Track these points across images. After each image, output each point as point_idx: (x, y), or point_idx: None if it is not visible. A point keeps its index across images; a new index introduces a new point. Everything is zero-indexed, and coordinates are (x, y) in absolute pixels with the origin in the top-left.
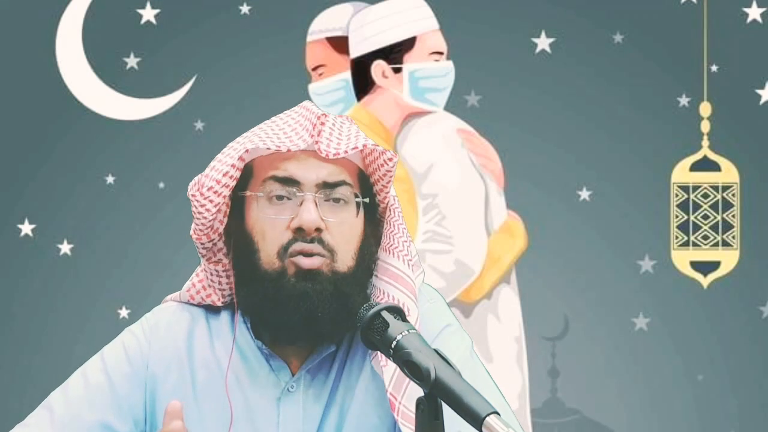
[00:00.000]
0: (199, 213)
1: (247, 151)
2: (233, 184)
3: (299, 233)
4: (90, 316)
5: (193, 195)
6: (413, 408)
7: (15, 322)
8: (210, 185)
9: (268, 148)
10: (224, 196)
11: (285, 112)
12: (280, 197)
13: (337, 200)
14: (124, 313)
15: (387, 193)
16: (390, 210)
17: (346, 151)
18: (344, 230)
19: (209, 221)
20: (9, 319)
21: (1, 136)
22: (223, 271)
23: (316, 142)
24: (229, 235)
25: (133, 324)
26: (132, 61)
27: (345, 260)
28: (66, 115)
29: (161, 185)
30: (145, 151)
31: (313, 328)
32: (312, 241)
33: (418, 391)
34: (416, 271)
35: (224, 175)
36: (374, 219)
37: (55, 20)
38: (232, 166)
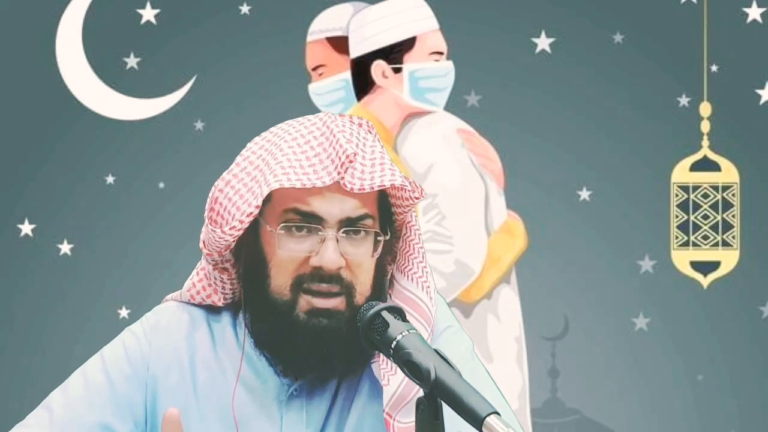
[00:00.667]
0: (217, 243)
1: (268, 185)
2: (249, 220)
3: (318, 271)
4: (90, 316)
5: (213, 231)
6: (406, 420)
7: (15, 322)
8: (233, 224)
9: (293, 186)
10: (242, 229)
11: (303, 123)
12: (299, 228)
13: (357, 232)
14: (124, 313)
15: (404, 215)
16: (406, 227)
17: (372, 187)
18: (363, 264)
19: (223, 248)
20: (9, 319)
21: (1, 136)
22: (228, 279)
23: (342, 179)
24: (239, 250)
25: (133, 324)
26: (132, 61)
27: (363, 291)
28: (66, 115)
29: (161, 185)
30: (145, 151)
31: (327, 367)
32: (330, 280)
33: (413, 409)
34: (433, 302)
35: (248, 215)
36: (391, 237)
37: (55, 20)
38: (257, 207)
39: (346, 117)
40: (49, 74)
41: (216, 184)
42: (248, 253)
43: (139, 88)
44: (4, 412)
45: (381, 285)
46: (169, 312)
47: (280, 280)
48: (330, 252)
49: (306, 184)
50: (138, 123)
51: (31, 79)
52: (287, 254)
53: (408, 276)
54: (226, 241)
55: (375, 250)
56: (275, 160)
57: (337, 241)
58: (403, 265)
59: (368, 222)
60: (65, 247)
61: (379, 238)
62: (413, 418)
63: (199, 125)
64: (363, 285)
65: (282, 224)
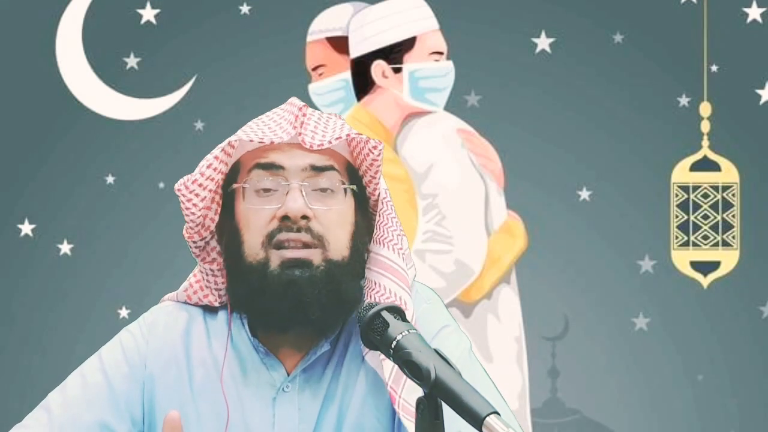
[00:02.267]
0: (187, 209)
1: (230, 144)
2: (218, 177)
3: (285, 222)
4: (90, 316)
5: (178, 190)
6: (413, 401)
7: (15, 322)
8: (194, 178)
9: (251, 141)
10: (210, 190)
11: (272, 109)
12: (266, 189)
13: (324, 189)
14: (124, 313)
15: (377, 184)
16: (382, 203)
17: (330, 141)
18: (333, 218)
19: (198, 217)
20: (9, 319)
21: (1, 136)
22: (219, 270)
23: (300, 134)
24: (221, 233)
25: (130, 323)
26: (132, 61)
27: (338, 249)
28: (66, 115)
29: (161, 185)
30: (145, 151)
31: (303, 315)
32: (299, 230)
33: (416, 388)
34: (409, 264)
35: (208, 167)
36: (366, 211)
37: (55, 20)
38: (216, 158)
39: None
40: (49, 74)
41: None
42: (225, 228)
43: (139, 88)
44: (4, 412)
45: (358, 249)
46: (166, 311)
47: (253, 241)
48: (293, 200)
49: (264, 139)
50: (138, 123)
51: (31, 79)
52: (254, 211)
53: (383, 244)
54: (192, 204)
55: (346, 201)
56: (241, 129)
57: (302, 193)
58: (380, 235)
59: (333, 175)
60: (65, 247)
61: (345, 186)
62: None
63: (199, 125)
64: (338, 241)
65: (247, 179)
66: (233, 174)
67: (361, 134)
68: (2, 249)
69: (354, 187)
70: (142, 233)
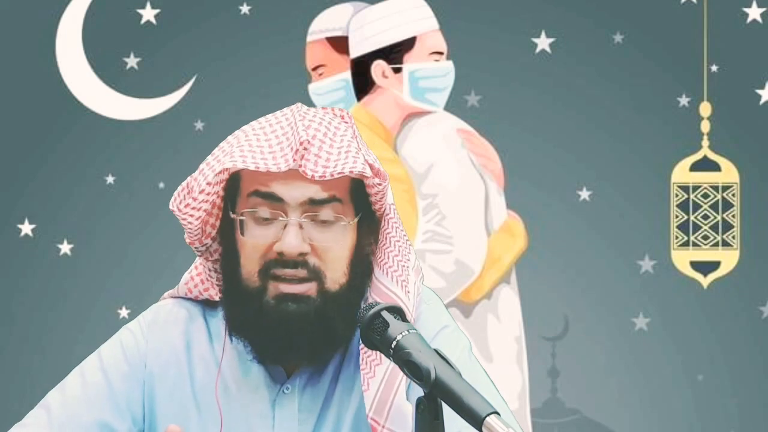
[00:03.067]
0: (184, 227)
1: (225, 170)
2: (213, 198)
3: (282, 257)
4: (90, 316)
5: (172, 210)
6: (397, 428)
7: (15, 322)
8: (187, 202)
9: (247, 169)
10: (205, 210)
11: (276, 114)
12: (266, 218)
13: (324, 221)
14: (124, 313)
15: (381, 206)
16: (385, 220)
17: (332, 174)
18: (332, 251)
19: (196, 228)
20: (9, 319)
21: (1, 136)
22: (221, 272)
23: (300, 166)
24: (221, 241)
25: (130, 322)
26: (132, 61)
27: (335, 278)
28: (66, 115)
29: (161, 185)
30: (145, 151)
31: (291, 350)
32: (296, 266)
33: (399, 413)
34: (405, 290)
35: (201, 192)
36: (373, 225)
37: (55, 20)
38: (208, 183)
39: (321, 108)
40: (49, 74)
41: None
42: (223, 243)
43: (139, 88)
44: (4, 412)
45: (359, 274)
46: (165, 309)
47: (250, 267)
48: (291, 237)
49: (260, 167)
50: (138, 123)
51: (31, 79)
52: (252, 241)
53: (384, 270)
54: (188, 222)
55: (347, 231)
56: (239, 144)
57: (301, 227)
58: (380, 258)
59: (334, 207)
60: (65, 247)
61: (343, 222)
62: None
63: (199, 125)
64: (335, 272)
65: (245, 210)
66: (232, 189)
67: (364, 170)
68: (2, 249)
69: (355, 219)
70: (142, 233)
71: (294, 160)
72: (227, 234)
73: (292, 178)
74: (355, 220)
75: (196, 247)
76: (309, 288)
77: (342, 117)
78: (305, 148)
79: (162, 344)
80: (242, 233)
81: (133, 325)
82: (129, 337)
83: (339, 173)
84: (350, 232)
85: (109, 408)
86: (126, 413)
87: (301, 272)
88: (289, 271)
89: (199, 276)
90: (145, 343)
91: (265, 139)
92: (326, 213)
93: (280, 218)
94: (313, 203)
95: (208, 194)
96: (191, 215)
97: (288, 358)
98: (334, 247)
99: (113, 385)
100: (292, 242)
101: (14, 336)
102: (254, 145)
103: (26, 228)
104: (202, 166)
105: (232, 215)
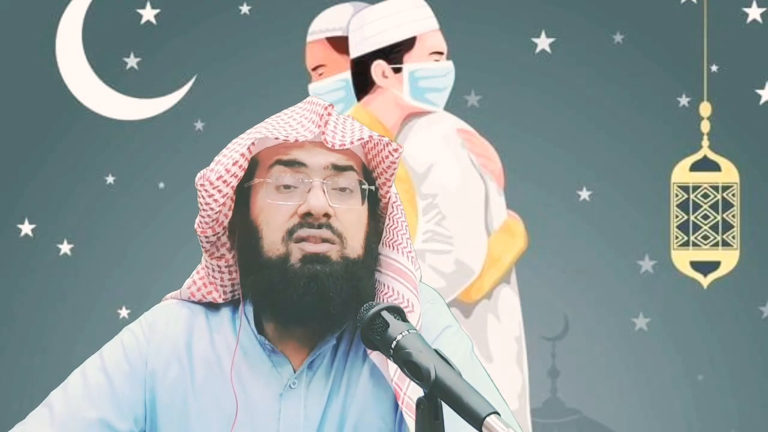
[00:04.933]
0: (207, 204)
1: (253, 143)
2: (242, 174)
3: (307, 219)
4: (90, 316)
5: (201, 185)
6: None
7: (15, 322)
8: (219, 174)
9: (276, 138)
10: (232, 187)
11: (291, 107)
12: (287, 186)
13: (343, 189)
14: (124, 313)
15: (389, 187)
16: (392, 206)
17: (352, 142)
18: (352, 218)
19: (215, 213)
20: (9, 319)
21: (1, 136)
22: (226, 266)
23: (323, 133)
24: (233, 230)
25: (132, 323)
26: (132, 61)
27: (354, 248)
28: (66, 115)
29: (161, 185)
30: (145, 151)
31: (325, 308)
32: (320, 227)
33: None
34: (416, 266)
35: (234, 164)
36: (376, 214)
37: (55, 20)
38: (242, 155)
39: None
40: (49, 74)
41: None
42: (241, 227)
43: (139, 88)
44: (4, 412)
45: (372, 248)
46: (167, 310)
47: (273, 237)
48: (316, 197)
49: (288, 137)
50: (138, 123)
51: (31, 79)
52: (275, 207)
53: (394, 247)
54: (213, 200)
55: (363, 203)
56: (263, 125)
57: (324, 191)
58: (390, 238)
59: (353, 175)
60: (65, 247)
61: (363, 186)
62: None
63: (199, 125)
64: (354, 239)
65: (268, 177)
66: (250, 170)
67: (383, 136)
68: (2, 249)
69: (372, 188)
70: (142, 233)
71: (318, 126)
72: (246, 217)
73: (314, 147)
74: (372, 187)
75: (206, 236)
76: (331, 249)
77: (348, 116)
78: (329, 113)
79: (163, 344)
80: (268, 197)
81: (134, 326)
82: (130, 337)
83: (359, 139)
84: (365, 207)
85: (112, 407)
86: (128, 413)
87: (326, 233)
88: (314, 231)
89: (201, 280)
90: (146, 343)
91: (285, 121)
92: (345, 180)
93: (305, 180)
94: (335, 168)
95: (240, 167)
96: (220, 191)
97: (318, 318)
98: (353, 215)
99: (115, 384)
100: (318, 201)
101: (14, 336)
102: (276, 125)
103: (26, 228)
104: (227, 148)
105: (256, 181)
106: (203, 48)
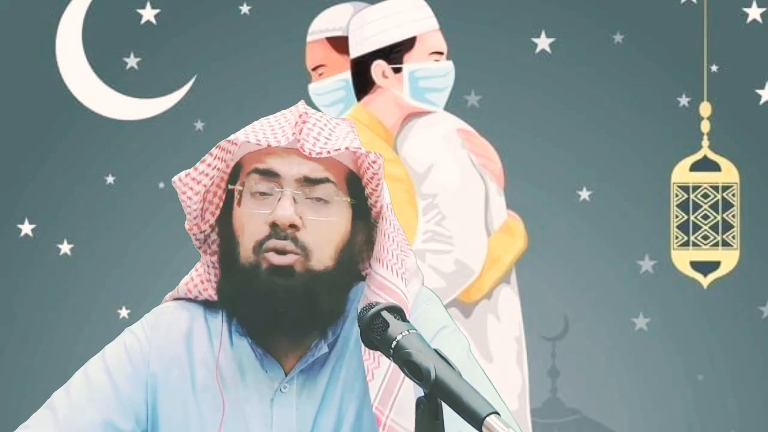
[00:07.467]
0: (183, 201)
1: (229, 142)
2: (214, 173)
3: (274, 229)
4: (90, 316)
5: (174, 182)
6: (402, 421)
7: (15, 322)
8: (187, 172)
9: (249, 142)
10: (204, 185)
11: (280, 111)
12: (262, 193)
13: (319, 199)
14: (124, 313)
15: (377, 198)
16: (382, 218)
17: (329, 152)
18: (324, 230)
19: (195, 210)
20: (9, 319)
21: (1, 136)
22: (217, 263)
23: (299, 140)
24: (220, 229)
25: (133, 324)
26: (132, 61)
27: (321, 259)
28: (66, 115)
29: (161, 185)
30: (145, 151)
31: (274, 324)
32: (285, 238)
33: (405, 405)
34: (411, 284)
35: (201, 162)
36: (368, 224)
37: (55, 20)
38: (210, 155)
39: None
40: (49, 74)
41: None
42: (224, 228)
43: (139, 88)
44: (4, 412)
45: (345, 263)
46: (168, 311)
47: (247, 244)
48: (282, 208)
49: (261, 142)
50: (138, 123)
51: (31, 79)
52: (249, 215)
53: (383, 263)
54: (187, 197)
55: (342, 214)
56: (243, 129)
57: (295, 201)
58: (379, 254)
59: (329, 187)
60: (65, 247)
61: (340, 199)
62: (412, 423)
63: (199, 125)
64: (322, 251)
65: (243, 182)
66: (235, 174)
67: (361, 148)
68: (2, 249)
69: (350, 200)
70: (142, 233)
71: (293, 134)
72: (228, 221)
73: (290, 156)
74: (350, 200)
75: (194, 235)
76: (295, 260)
77: (344, 120)
78: (303, 121)
79: (164, 346)
80: (242, 205)
81: (135, 327)
82: (132, 338)
83: (335, 149)
84: (343, 219)
85: (115, 408)
86: (130, 413)
87: (290, 245)
88: (279, 243)
89: (199, 276)
90: (148, 344)
91: (267, 124)
92: (322, 191)
93: (276, 190)
94: (308, 181)
95: (208, 165)
96: (191, 188)
97: (271, 330)
98: (324, 227)
99: (118, 385)
100: (284, 212)
101: (14, 336)
102: (257, 128)
103: (26, 228)
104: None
105: (231, 187)
106: (203, 48)
